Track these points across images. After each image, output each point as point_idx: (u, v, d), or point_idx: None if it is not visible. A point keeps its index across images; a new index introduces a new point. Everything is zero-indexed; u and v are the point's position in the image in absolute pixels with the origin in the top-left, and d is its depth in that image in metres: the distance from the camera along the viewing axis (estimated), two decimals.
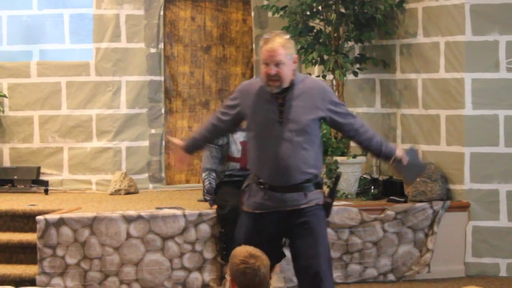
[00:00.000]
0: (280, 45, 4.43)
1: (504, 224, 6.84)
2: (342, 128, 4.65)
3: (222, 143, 6.43)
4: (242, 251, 3.51)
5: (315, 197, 4.56)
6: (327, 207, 4.64)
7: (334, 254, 6.43)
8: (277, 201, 4.53)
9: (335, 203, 4.99)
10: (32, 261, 6.41)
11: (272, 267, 4.48)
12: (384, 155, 4.66)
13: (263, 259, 3.49)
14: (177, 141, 4.87)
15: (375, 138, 4.64)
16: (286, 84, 4.47)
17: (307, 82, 4.58)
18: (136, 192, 7.88)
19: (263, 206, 4.57)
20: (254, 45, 8.28)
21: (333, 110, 4.55)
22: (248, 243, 4.47)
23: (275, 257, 4.67)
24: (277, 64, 4.42)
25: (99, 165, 8.05)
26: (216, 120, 4.75)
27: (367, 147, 4.70)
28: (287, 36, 4.52)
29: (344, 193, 7.04)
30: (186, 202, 7.11)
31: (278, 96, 4.49)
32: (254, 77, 8.24)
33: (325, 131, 6.88)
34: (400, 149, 4.68)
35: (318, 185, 4.60)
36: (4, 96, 8.04)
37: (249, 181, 4.66)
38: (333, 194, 4.67)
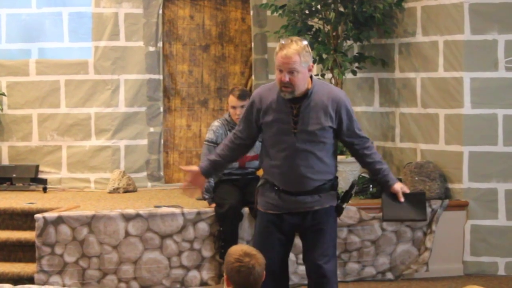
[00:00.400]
0: (296, 53, 4.32)
1: (503, 223, 6.84)
2: (344, 144, 4.65)
3: (221, 141, 6.43)
4: (237, 249, 3.50)
5: (328, 199, 4.58)
6: (338, 211, 4.66)
7: None
8: (290, 202, 4.53)
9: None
10: (31, 259, 6.41)
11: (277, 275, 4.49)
12: (379, 183, 4.72)
13: (258, 257, 3.48)
14: (191, 167, 4.81)
15: (374, 165, 4.62)
16: (299, 92, 4.40)
17: (324, 91, 4.49)
18: (134, 190, 7.88)
19: (275, 207, 4.56)
20: (253, 44, 8.27)
21: (341, 123, 4.50)
22: (260, 242, 4.50)
23: (284, 261, 4.66)
24: (291, 72, 4.32)
25: (97, 164, 8.04)
26: (234, 136, 4.68)
27: (365, 168, 4.74)
28: (305, 43, 4.39)
29: (343, 191, 7.02)
30: (184, 200, 7.08)
31: (293, 106, 4.43)
32: (253, 76, 8.27)
33: None
34: (398, 185, 4.62)
35: (333, 187, 4.61)
36: (3, 94, 8.04)
37: (263, 181, 4.65)
38: (345, 200, 4.66)
